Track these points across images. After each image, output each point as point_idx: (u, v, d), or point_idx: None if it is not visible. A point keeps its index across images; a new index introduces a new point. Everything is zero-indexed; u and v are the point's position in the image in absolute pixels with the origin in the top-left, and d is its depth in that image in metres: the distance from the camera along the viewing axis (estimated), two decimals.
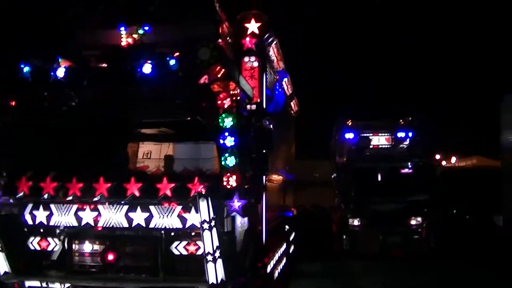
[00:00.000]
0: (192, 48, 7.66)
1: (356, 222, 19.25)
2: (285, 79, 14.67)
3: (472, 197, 21.57)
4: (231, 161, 7.88)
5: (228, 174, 7.92)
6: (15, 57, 8.57)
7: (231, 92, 7.91)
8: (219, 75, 7.79)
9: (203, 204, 7.70)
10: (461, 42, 34.15)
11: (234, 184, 7.93)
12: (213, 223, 7.73)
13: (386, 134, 20.83)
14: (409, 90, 33.62)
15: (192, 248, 8.39)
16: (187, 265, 8.49)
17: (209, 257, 7.77)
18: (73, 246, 8.84)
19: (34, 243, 9.09)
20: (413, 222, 18.81)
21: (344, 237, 19.46)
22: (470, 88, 33.97)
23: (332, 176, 22.59)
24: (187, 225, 8.31)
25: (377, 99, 32.23)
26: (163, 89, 8.31)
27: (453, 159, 32.66)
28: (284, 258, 14.30)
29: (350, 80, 36.22)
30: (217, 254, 7.79)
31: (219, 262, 7.82)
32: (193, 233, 8.18)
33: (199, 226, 7.93)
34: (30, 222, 9.01)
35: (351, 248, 19.19)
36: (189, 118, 8.64)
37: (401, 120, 21.15)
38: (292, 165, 17.76)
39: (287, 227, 15.54)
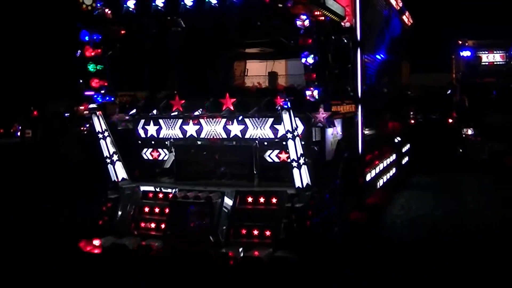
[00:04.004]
0: None
1: (469, 132, 20.18)
2: None
3: None
4: (312, 76, 8.51)
5: (311, 89, 8.55)
6: None
7: (311, 13, 8.48)
8: None
9: (285, 116, 8.37)
10: None
11: (317, 97, 8.59)
12: (296, 133, 8.43)
13: (500, 52, 21.71)
14: None
15: (283, 156, 9.19)
16: (278, 171, 9.36)
17: (294, 164, 8.51)
18: (180, 155, 9.93)
19: (147, 153, 10.29)
20: None
21: (458, 145, 20.41)
22: None
23: (448, 91, 23.39)
24: (279, 135, 9.09)
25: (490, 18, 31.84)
26: (252, 13, 9.01)
27: None
28: (394, 169, 14.91)
29: None
30: (302, 161, 8.49)
31: (304, 168, 8.54)
32: (284, 143, 8.80)
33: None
34: (142, 135, 10.20)
35: (463, 155, 20.10)
36: (275, 39, 9.37)
37: None
38: (407, 78, 18.25)
39: (398, 138, 16.07)
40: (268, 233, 8.56)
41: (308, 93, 8.57)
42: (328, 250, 9.14)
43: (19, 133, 44.66)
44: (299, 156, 8.50)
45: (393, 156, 14.97)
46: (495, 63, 21.81)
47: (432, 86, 28.65)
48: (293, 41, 8.58)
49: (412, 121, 20.75)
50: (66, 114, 40.51)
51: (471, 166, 19.39)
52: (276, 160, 9.34)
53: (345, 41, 9.68)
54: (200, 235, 8.66)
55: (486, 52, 21.81)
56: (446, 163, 20.59)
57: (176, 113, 9.72)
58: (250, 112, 9.22)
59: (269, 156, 9.38)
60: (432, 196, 15.30)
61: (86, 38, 9.57)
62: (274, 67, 11.79)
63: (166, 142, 10.05)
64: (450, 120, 23.00)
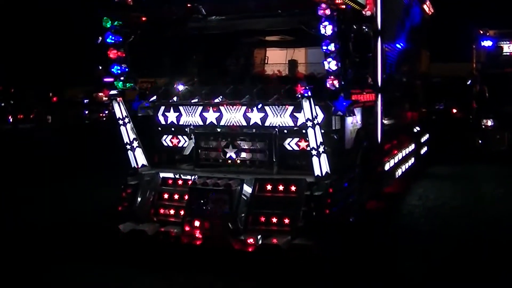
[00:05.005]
0: None
1: (489, 123, 19.99)
2: None
3: None
4: (333, 65, 8.45)
5: (332, 77, 8.50)
6: None
7: (332, 2, 8.42)
8: None
9: (306, 104, 8.38)
10: None
11: (337, 86, 8.57)
12: (316, 121, 8.44)
13: None
14: None
15: (303, 144, 9.21)
16: (297, 159, 9.40)
17: (314, 152, 8.51)
18: (200, 142, 9.94)
19: (167, 140, 10.34)
20: None
21: (476, 136, 20.26)
22: None
23: (468, 82, 23.19)
24: (298, 123, 9.11)
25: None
26: (273, 0, 9.05)
27: None
28: (412, 159, 14.87)
29: None
30: (321, 149, 8.49)
31: (323, 156, 8.54)
32: (304, 131, 8.81)
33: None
34: (163, 122, 10.26)
35: (482, 146, 19.95)
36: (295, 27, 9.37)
37: None
38: (426, 67, 18.14)
39: (417, 128, 16.02)
40: (286, 220, 8.58)
41: (328, 81, 8.55)
42: (345, 238, 9.15)
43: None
44: (318, 144, 8.50)
45: (412, 146, 14.93)
46: None
47: (452, 75, 28.48)
48: (313, 29, 8.54)
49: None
50: (85, 101, 40.78)
51: (489, 157, 19.23)
52: (296, 148, 9.36)
53: (366, 29, 9.66)
54: (219, 222, 8.69)
55: (508, 43, 21.39)
56: (453, 153, 20.47)
57: (196, 100, 9.75)
58: (270, 100, 9.23)
59: (288, 144, 9.40)
60: (451, 187, 15.17)
61: (108, 24, 9.61)
62: (294, 55, 11.78)
63: (186, 129, 10.08)
64: (454, 111, 22.81)
